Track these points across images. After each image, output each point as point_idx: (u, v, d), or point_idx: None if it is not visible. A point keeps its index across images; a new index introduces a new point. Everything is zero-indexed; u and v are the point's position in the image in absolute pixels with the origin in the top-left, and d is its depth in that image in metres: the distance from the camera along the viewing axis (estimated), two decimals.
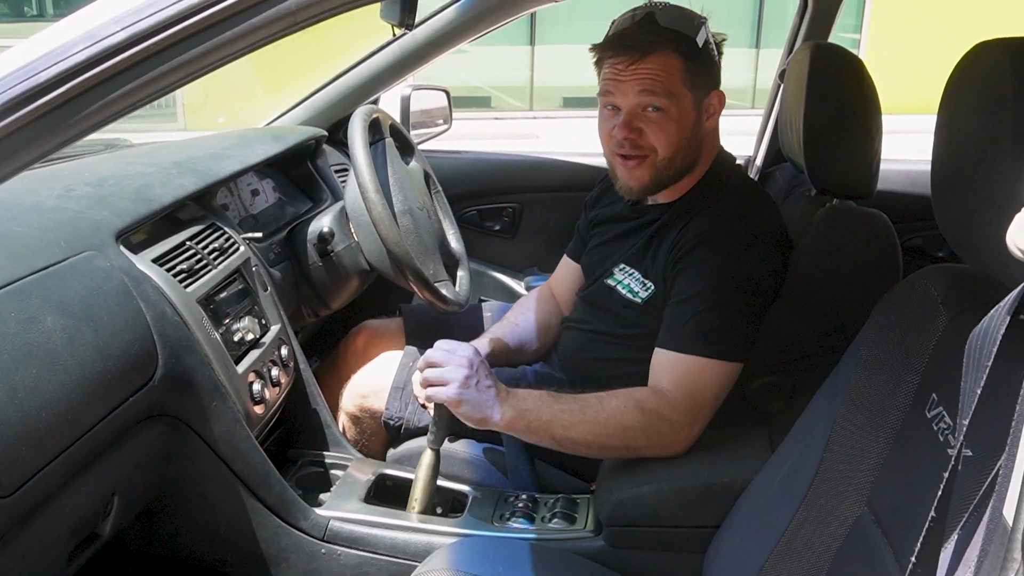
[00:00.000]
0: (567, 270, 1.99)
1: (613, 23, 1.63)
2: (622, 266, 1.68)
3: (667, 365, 1.50)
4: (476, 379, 1.46)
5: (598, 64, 1.60)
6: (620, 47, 1.55)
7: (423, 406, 1.73)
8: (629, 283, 1.65)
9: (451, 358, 1.48)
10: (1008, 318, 0.70)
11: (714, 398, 1.49)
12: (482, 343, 1.83)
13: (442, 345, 1.52)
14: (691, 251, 1.52)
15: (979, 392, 0.72)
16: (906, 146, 2.72)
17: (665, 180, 1.62)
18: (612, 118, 1.60)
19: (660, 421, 1.46)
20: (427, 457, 1.57)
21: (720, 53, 1.62)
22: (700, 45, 1.54)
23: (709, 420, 1.49)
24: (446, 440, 1.76)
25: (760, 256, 1.53)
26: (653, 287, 1.61)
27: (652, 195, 1.68)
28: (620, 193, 1.68)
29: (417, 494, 1.57)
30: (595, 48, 1.59)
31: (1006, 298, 0.71)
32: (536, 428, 1.47)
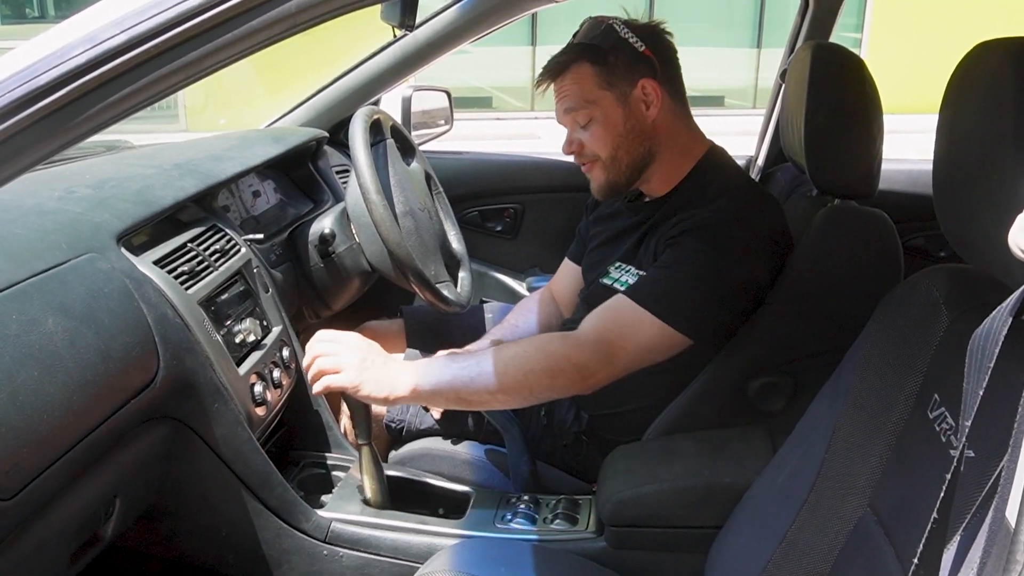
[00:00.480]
0: (567, 272, 1.99)
1: None
2: (617, 264, 1.68)
3: (605, 307, 1.53)
4: (371, 359, 1.46)
5: None
6: (541, 74, 1.65)
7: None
8: (626, 279, 1.64)
9: (340, 346, 1.47)
10: (1010, 319, 0.70)
11: (635, 350, 1.49)
12: (482, 345, 1.83)
13: (324, 336, 1.50)
14: (683, 233, 1.53)
15: (981, 393, 0.71)
16: (907, 146, 2.72)
17: (622, 179, 1.66)
18: None
19: (564, 361, 1.47)
20: (364, 455, 1.57)
21: (661, 41, 1.64)
22: (608, 46, 1.59)
23: (623, 372, 1.50)
24: (450, 442, 1.76)
25: (754, 256, 1.52)
26: None
27: (644, 189, 1.70)
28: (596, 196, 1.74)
29: (368, 493, 1.58)
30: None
31: (1008, 299, 0.71)
32: (441, 390, 1.47)
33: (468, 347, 1.81)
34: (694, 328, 1.50)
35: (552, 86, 1.65)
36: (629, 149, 1.63)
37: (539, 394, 1.51)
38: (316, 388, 1.47)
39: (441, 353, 1.56)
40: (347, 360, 1.44)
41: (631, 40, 1.60)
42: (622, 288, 1.64)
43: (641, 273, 1.61)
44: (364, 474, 1.58)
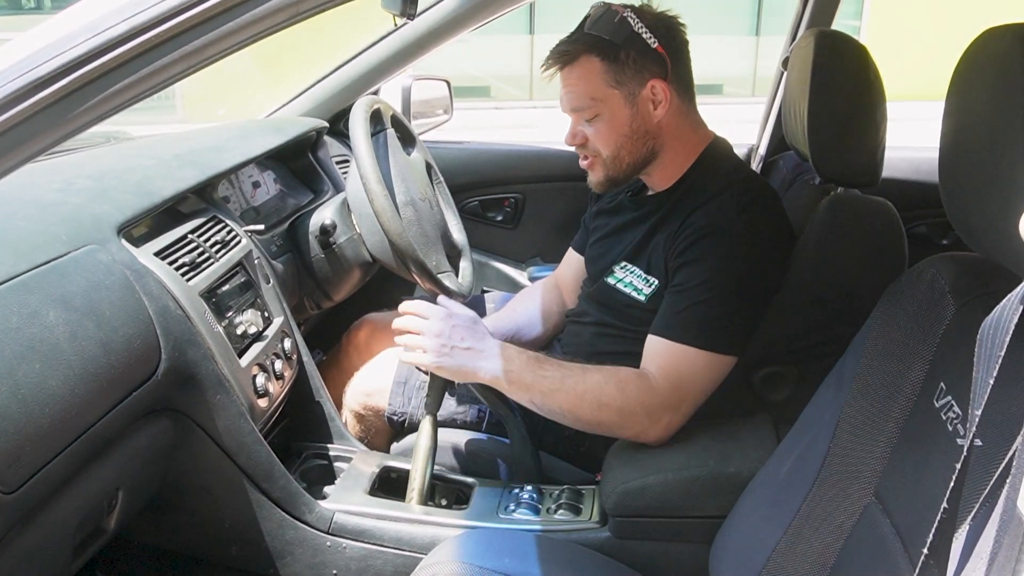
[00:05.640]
0: (571, 262, 1.98)
1: None
2: (623, 264, 1.66)
3: (657, 352, 1.50)
4: (451, 344, 1.50)
5: None
6: (549, 57, 1.60)
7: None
8: (632, 281, 1.63)
9: (424, 325, 1.52)
10: (1021, 307, 0.70)
11: (701, 391, 1.49)
12: (502, 327, 1.83)
13: (410, 308, 1.55)
14: (693, 244, 1.51)
15: (992, 382, 0.71)
16: (906, 134, 2.71)
17: (621, 176, 1.64)
18: None
19: (637, 405, 1.46)
20: (425, 424, 1.58)
21: (675, 35, 1.59)
22: (620, 41, 1.54)
23: (692, 413, 1.49)
24: (452, 433, 1.76)
25: (763, 252, 1.51)
26: (656, 282, 1.59)
27: (646, 182, 1.69)
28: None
29: (419, 463, 1.57)
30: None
31: (1019, 287, 0.70)
32: (518, 389, 1.50)
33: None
34: (737, 346, 1.50)
35: (558, 73, 1.60)
36: (632, 149, 1.60)
37: (607, 428, 1.50)
38: (403, 358, 1.55)
39: (526, 353, 1.53)
40: (427, 343, 1.50)
41: (644, 35, 1.55)
42: (628, 289, 1.63)
43: (649, 278, 1.60)
44: (420, 440, 1.58)
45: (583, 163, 1.67)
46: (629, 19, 1.55)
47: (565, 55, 1.57)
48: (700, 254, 1.50)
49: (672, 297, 1.52)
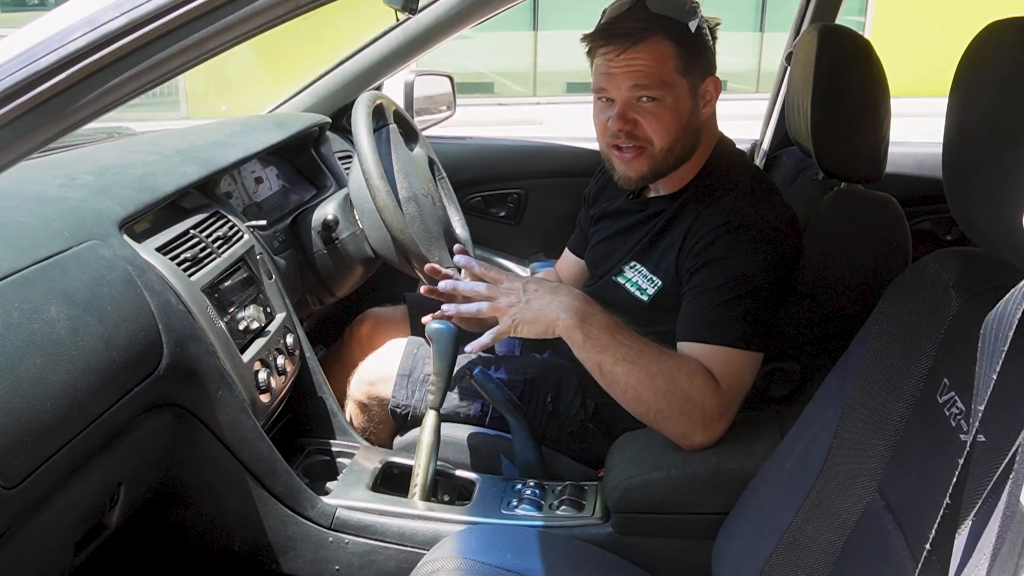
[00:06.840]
0: (569, 262, 1.97)
1: (604, 12, 1.59)
2: (633, 263, 1.64)
3: (699, 357, 1.44)
4: (526, 297, 1.44)
5: (590, 54, 1.56)
6: (610, 36, 1.51)
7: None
8: (637, 280, 1.62)
9: (493, 289, 1.47)
10: None
11: (744, 392, 1.45)
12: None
13: (480, 274, 1.51)
14: (712, 243, 1.48)
15: (995, 377, 0.71)
16: (911, 130, 2.70)
17: (664, 170, 1.58)
18: (607, 110, 1.56)
19: (700, 401, 1.40)
20: (429, 418, 1.57)
21: (714, 38, 1.57)
22: (693, 31, 1.50)
23: (733, 417, 1.44)
24: (455, 428, 1.76)
25: (780, 247, 1.50)
26: (660, 283, 1.58)
27: (651, 184, 1.66)
28: (619, 184, 1.64)
29: (422, 458, 1.56)
30: (586, 38, 1.55)
31: (1022, 282, 0.70)
32: (592, 348, 1.41)
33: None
34: (766, 342, 1.47)
35: (617, 52, 1.49)
36: (683, 144, 1.55)
37: (663, 419, 1.42)
38: (473, 309, 1.48)
39: (608, 313, 1.45)
40: (501, 303, 1.45)
41: (705, 29, 1.52)
42: (633, 289, 1.62)
43: (653, 278, 1.59)
44: (423, 435, 1.58)
45: (624, 155, 1.56)
46: (697, 8, 1.51)
47: (637, 32, 1.48)
48: (721, 252, 1.47)
49: (698, 298, 1.47)
